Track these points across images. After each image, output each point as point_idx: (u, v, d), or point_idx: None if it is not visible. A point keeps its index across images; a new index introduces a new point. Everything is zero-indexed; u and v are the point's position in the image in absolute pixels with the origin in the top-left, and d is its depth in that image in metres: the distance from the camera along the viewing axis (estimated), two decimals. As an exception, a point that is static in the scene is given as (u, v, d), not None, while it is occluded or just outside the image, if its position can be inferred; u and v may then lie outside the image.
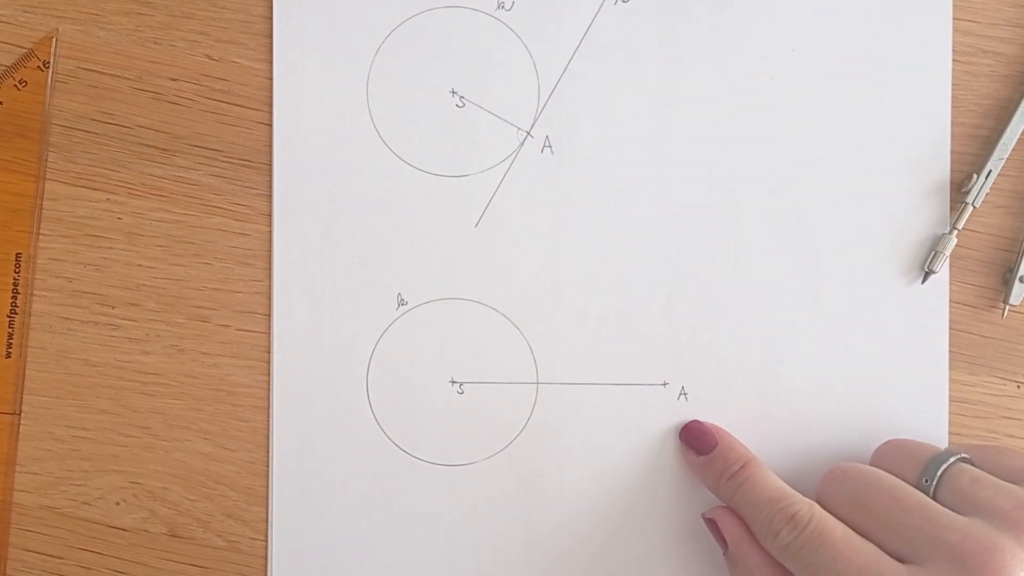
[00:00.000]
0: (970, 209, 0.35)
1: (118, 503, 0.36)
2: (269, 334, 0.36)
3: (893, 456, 0.33)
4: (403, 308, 0.36)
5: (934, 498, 0.30)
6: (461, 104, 0.36)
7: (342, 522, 0.36)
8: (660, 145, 0.36)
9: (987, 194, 0.35)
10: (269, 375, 0.36)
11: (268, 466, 0.36)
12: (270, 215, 0.36)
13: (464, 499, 0.36)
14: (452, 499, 0.36)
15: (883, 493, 0.30)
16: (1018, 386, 0.36)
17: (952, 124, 0.36)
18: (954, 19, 0.36)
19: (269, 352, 0.36)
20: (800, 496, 0.31)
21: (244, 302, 0.36)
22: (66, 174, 0.36)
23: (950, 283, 0.36)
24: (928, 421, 0.36)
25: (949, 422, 0.36)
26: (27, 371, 0.36)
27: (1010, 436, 0.36)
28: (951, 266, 0.36)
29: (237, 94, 0.36)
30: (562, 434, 0.36)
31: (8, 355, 0.36)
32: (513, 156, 0.36)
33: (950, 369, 0.36)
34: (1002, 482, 0.29)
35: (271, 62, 0.36)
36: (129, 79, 0.36)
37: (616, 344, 0.36)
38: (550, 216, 0.36)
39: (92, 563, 0.36)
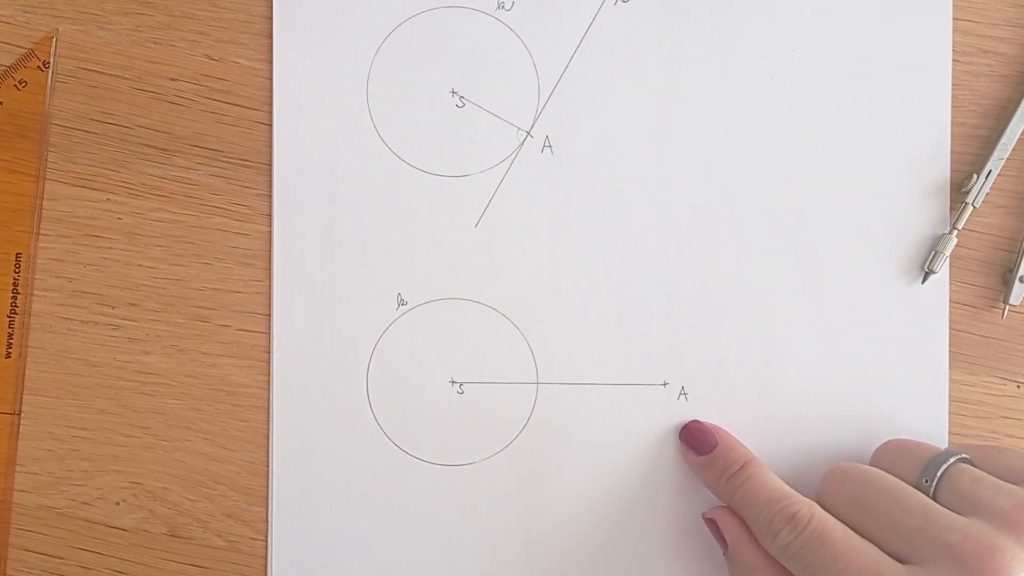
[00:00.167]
0: (970, 209, 0.35)
1: (118, 503, 0.36)
2: (269, 334, 0.36)
3: (893, 456, 0.33)
4: (403, 308, 0.36)
5: (934, 498, 0.30)
6: (461, 104, 0.36)
7: (342, 522, 0.36)
8: (660, 145, 0.36)
9: (987, 194, 0.35)
10: (269, 375, 0.36)
11: (268, 466, 0.36)
12: (270, 215, 0.36)
13: (464, 499, 0.36)
14: (452, 499, 0.36)
15: (883, 493, 0.30)
16: (1018, 386, 0.36)
17: (952, 124, 0.36)
18: (954, 19, 0.36)
19: (269, 352, 0.36)
20: (800, 496, 0.31)
21: (244, 302, 0.36)
22: (66, 174, 0.36)
23: (950, 283, 0.36)
24: (928, 421, 0.36)
25: (949, 422, 0.36)
26: (27, 371, 0.36)
27: (1010, 436, 0.36)
28: (951, 266, 0.36)
29: (237, 94, 0.36)
30: (562, 434, 0.36)
31: (8, 355, 0.36)
32: (513, 156, 0.36)
33: (950, 369, 0.36)
34: (1002, 482, 0.29)
35: (271, 62, 0.36)
36: (129, 79, 0.36)
37: (616, 344, 0.36)
38: (550, 216, 0.36)
39: (92, 563, 0.36)
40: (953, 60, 0.36)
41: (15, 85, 0.36)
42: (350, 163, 0.36)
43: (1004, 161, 0.35)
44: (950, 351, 0.36)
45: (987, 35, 0.36)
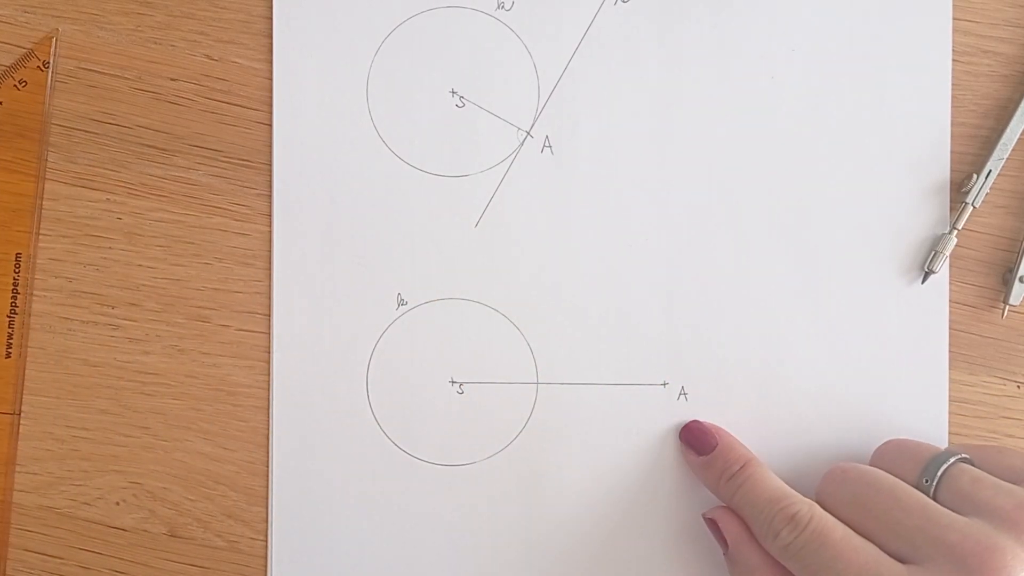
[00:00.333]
0: (970, 209, 0.35)
1: (118, 503, 0.36)
2: (269, 334, 0.36)
3: (893, 456, 0.33)
4: (403, 308, 0.36)
5: (934, 498, 0.30)
6: (461, 104, 0.36)
7: (342, 522, 0.36)
8: (660, 145, 0.36)
9: (987, 194, 0.35)
10: (269, 375, 0.36)
11: (268, 466, 0.36)
12: (270, 215, 0.36)
13: (464, 499, 0.36)
14: (452, 499, 0.36)
15: (883, 493, 0.30)
16: (1018, 386, 0.36)
17: (952, 124, 0.36)
18: (954, 19, 0.36)
19: (269, 352, 0.36)
20: (800, 496, 0.31)
21: (244, 302, 0.36)
22: (66, 174, 0.36)
23: (950, 283, 0.36)
24: (928, 421, 0.36)
25: (949, 422, 0.36)
26: (27, 371, 0.36)
27: (1010, 436, 0.36)
28: (951, 266, 0.36)
29: (237, 94, 0.36)
30: (562, 434, 0.36)
31: (8, 355, 0.36)
32: (513, 156, 0.36)
33: (950, 369, 0.36)
34: (1002, 482, 0.29)
35: (271, 62, 0.36)
36: (129, 79, 0.36)
37: (616, 344, 0.36)
38: (550, 216, 0.36)
39: (92, 563, 0.36)
40: (953, 60, 0.36)
41: (15, 85, 0.36)
42: (350, 163, 0.36)
43: (1004, 161, 0.35)
44: (950, 351, 0.36)
45: (987, 35, 0.36)
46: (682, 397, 0.36)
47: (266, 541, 0.36)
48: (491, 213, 0.36)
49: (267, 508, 0.36)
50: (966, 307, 0.36)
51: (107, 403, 0.36)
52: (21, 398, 0.36)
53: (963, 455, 0.31)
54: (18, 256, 0.36)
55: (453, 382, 0.36)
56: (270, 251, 0.36)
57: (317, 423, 0.36)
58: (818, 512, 0.30)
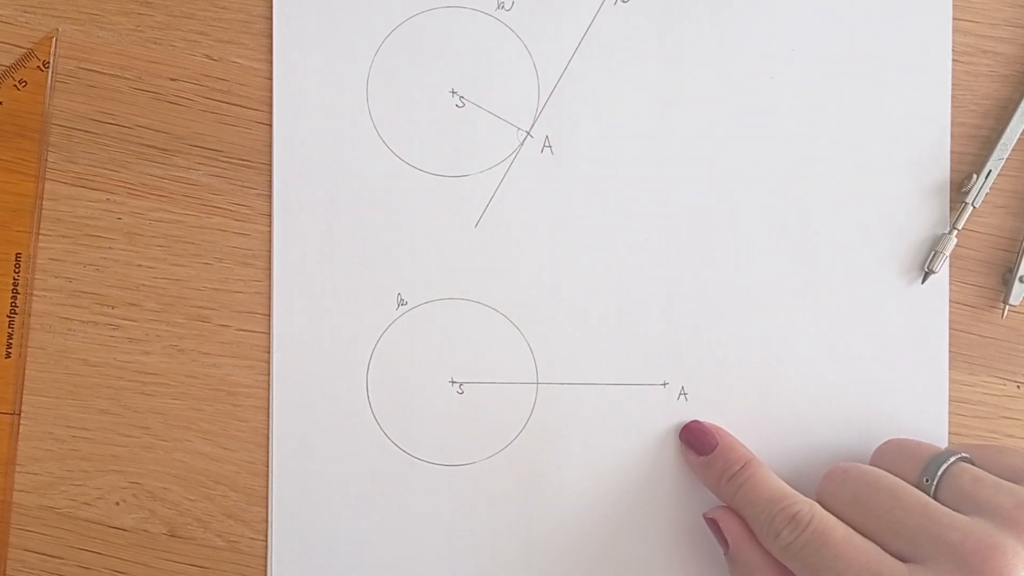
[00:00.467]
0: (970, 209, 0.35)
1: (118, 503, 0.36)
2: (269, 334, 0.36)
3: (893, 456, 0.33)
4: (403, 308, 0.36)
5: (935, 498, 0.30)
6: (461, 104, 0.36)
7: (342, 522, 0.36)
8: (660, 145, 0.36)
9: (987, 194, 0.35)
10: (269, 375, 0.36)
11: (268, 466, 0.36)
12: (270, 215, 0.36)
13: (464, 499, 0.36)
14: (452, 499, 0.36)
15: (884, 492, 0.30)
16: (1018, 386, 0.36)
17: (952, 124, 0.36)
18: (954, 19, 0.36)
19: (269, 352, 0.36)
20: (801, 496, 0.31)
21: (244, 302, 0.36)
22: (66, 174, 0.36)
23: (950, 283, 0.36)
24: (928, 421, 0.36)
25: (949, 422, 0.36)
26: (27, 371, 0.36)
27: (1010, 436, 0.36)
28: (951, 266, 0.36)
29: (237, 94, 0.36)
30: (562, 434, 0.36)
31: (8, 355, 0.36)
32: (513, 156, 0.36)
33: (950, 369, 0.36)
34: (1003, 481, 0.29)
35: (271, 62, 0.36)
36: (129, 79, 0.36)
37: (616, 344, 0.36)
38: (550, 216, 0.36)
39: (92, 563, 0.36)
40: (953, 60, 0.36)
41: (15, 85, 0.36)
42: (350, 163, 0.36)
43: (1004, 161, 0.35)
44: (950, 351, 0.36)
45: (987, 35, 0.36)
46: (682, 397, 0.36)
47: (266, 541, 0.36)
48: (491, 213, 0.36)
49: (267, 508, 0.36)
50: (966, 307, 0.36)
51: (107, 403, 0.36)
52: (21, 398, 0.36)
53: (963, 454, 0.31)
54: (18, 256, 0.36)
55: (453, 382, 0.36)
56: (270, 251, 0.36)
57: (317, 423, 0.36)
58: (819, 512, 0.30)
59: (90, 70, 0.36)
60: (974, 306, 0.36)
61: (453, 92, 0.36)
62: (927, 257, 0.35)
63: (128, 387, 0.36)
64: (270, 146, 0.36)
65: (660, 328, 0.36)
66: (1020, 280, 0.35)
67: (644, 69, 0.36)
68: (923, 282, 0.36)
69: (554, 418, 0.36)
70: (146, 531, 0.36)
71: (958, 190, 0.36)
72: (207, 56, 0.36)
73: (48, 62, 0.36)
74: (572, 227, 0.36)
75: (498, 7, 0.36)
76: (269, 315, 0.36)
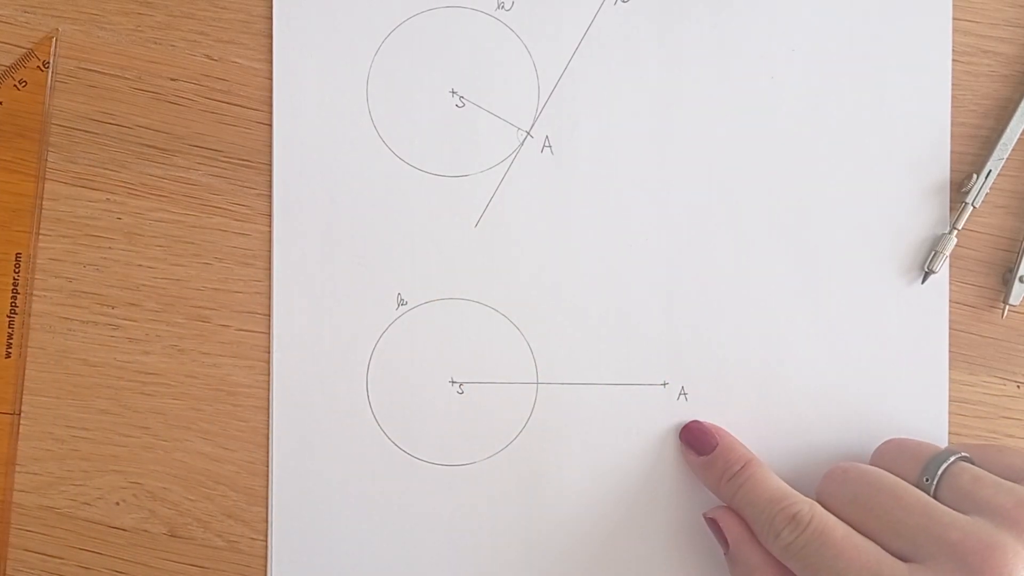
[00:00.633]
0: (970, 209, 0.35)
1: (118, 503, 0.36)
2: (269, 334, 0.36)
3: (893, 455, 0.33)
4: (403, 308, 0.36)
5: (935, 497, 0.30)
6: (461, 104, 0.36)
7: (342, 522, 0.36)
8: (660, 145, 0.36)
9: (987, 194, 0.35)
10: (269, 375, 0.36)
11: (268, 466, 0.36)
12: (270, 215, 0.36)
13: (464, 499, 0.36)
14: (452, 499, 0.36)
15: (884, 492, 0.30)
16: (1018, 386, 0.36)
17: (952, 124, 0.36)
18: (954, 19, 0.36)
19: (269, 352, 0.36)
20: (801, 496, 0.31)
21: (244, 302, 0.36)
22: (66, 174, 0.36)
23: (950, 283, 0.36)
24: (928, 421, 0.36)
25: (949, 422, 0.36)
26: (27, 371, 0.36)
27: (1010, 436, 0.36)
28: (951, 266, 0.36)
29: (237, 94, 0.36)
30: (562, 434, 0.36)
31: (8, 355, 0.36)
32: (513, 156, 0.36)
33: (950, 369, 0.36)
34: (1003, 481, 0.29)
35: (271, 62, 0.36)
36: (129, 79, 0.36)
37: (616, 344, 0.36)
38: (550, 216, 0.36)
39: (92, 563, 0.36)
40: (953, 60, 0.36)
41: (15, 85, 0.36)
42: (350, 163, 0.36)
43: (1004, 161, 0.35)
44: (950, 351, 0.36)
45: (987, 35, 0.36)
46: (682, 397, 0.36)
47: (266, 541, 0.36)
48: (491, 213, 0.36)
49: (267, 508, 0.36)
50: (966, 307, 0.36)
51: (107, 403, 0.36)
52: (21, 398, 0.36)
53: (963, 454, 0.31)
54: (18, 256, 0.36)
55: (453, 382, 0.36)
56: (270, 251, 0.36)
57: (317, 423, 0.36)
58: (819, 512, 0.30)
59: (90, 70, 0.36)
60: (974, 306, 0.36)
61: (453, 92, 0.36)
62: (927, 257, 0.35)
63: (128, 387, 0.36)
64: (270, 146, 0.36)
65: (660, 328, 0.36)
66: (1020, 280, 0.35)
67: (644, 69, 0.36)
68: (923, 282, 0.36)
69: (554, 418, 0.36)
70: (146, 531, 0.36)
71: (958, 190, 0.36)
72: (207, 56, 0.36)
73: (48, 62, 0.36)
74: (572, 227, 0.36)
75: (498, 7, 0.36)
76: (269, 315, 0.36)
